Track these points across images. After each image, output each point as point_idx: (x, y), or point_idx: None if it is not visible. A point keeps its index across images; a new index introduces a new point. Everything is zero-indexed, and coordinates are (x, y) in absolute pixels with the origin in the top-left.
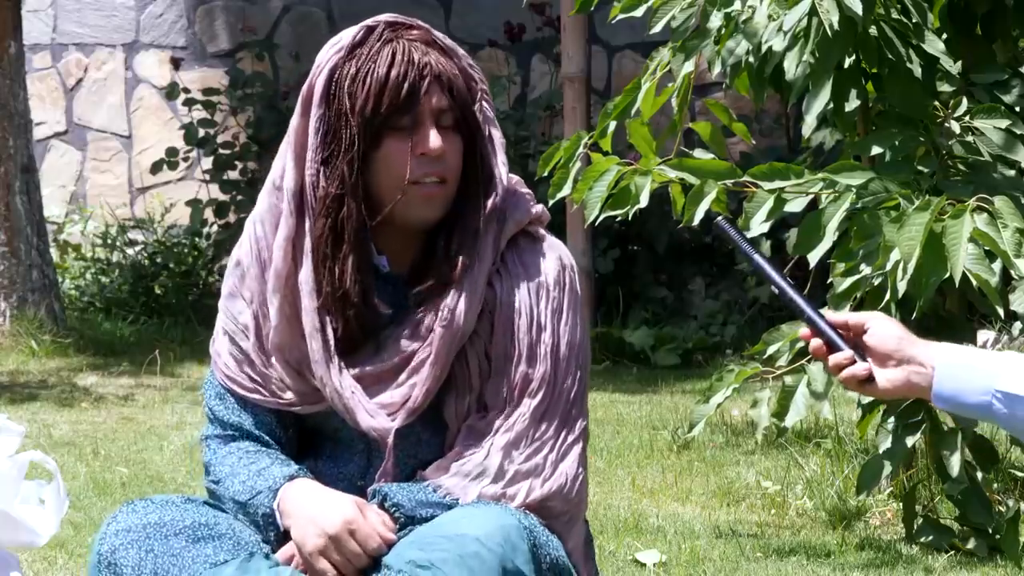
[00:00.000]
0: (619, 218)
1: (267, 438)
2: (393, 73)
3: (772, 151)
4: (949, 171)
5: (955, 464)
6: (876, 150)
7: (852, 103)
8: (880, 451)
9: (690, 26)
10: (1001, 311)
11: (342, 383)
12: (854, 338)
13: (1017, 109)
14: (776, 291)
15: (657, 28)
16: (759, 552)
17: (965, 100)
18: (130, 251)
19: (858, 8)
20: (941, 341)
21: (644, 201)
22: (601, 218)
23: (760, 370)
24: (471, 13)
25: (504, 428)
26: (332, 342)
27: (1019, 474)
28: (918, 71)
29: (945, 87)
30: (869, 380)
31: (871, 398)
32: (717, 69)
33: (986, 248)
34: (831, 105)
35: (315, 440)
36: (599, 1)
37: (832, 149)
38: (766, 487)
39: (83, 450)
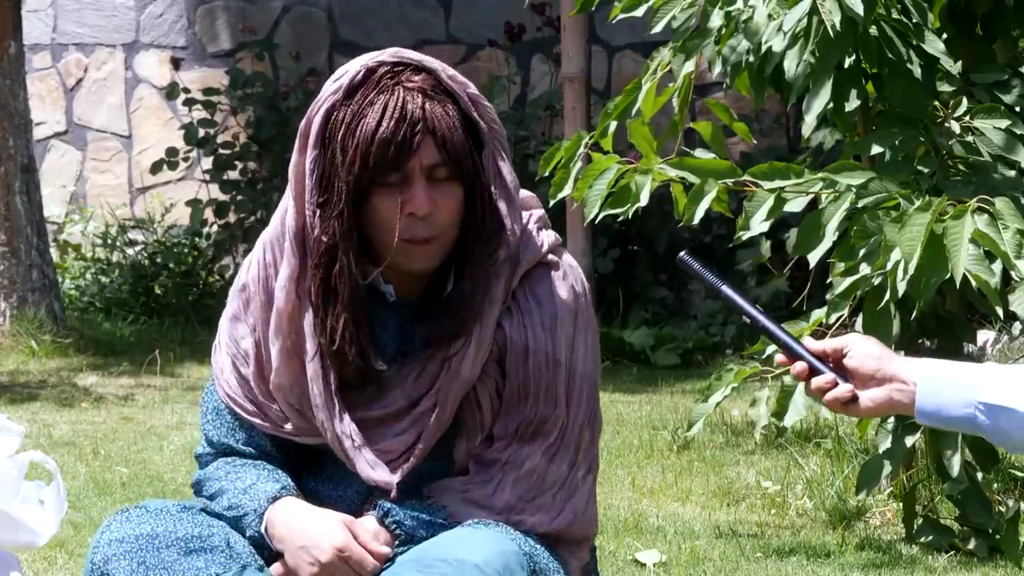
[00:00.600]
0: (620, 218)
1: (261, 457)
2: (381, 130)
3: (772, 151)
4: (949, 171)
5: (955, 464)
6: (876, 150)
7: (852, 103)
8: (880, 451)
9: (690, 26)
10: (1001, 312)
11: (343, 430)
12: (835, 362)
13: (1017, 109)
14: (749, 320)
15: (657, 28)
16: (759, 552)
17: (965, 100)
18: (130, 251)
19: (859, 8)
20: (941, 341)
21: (644, 200)
22: (601, 217)
23: (759, 370)
24: (471, 13)
25: (513, 464)
26: (334, 387)
27: (1019, 474)
28: (918, 71)
29: (945, 87)
30: (852, 401)
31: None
32: (717, 69)
33: (986, 249)
34: (831, 105)
35: (316, 459)
36: (599, 1)
37: (832, 149)
38: (766, 487)
39: (83, 450)
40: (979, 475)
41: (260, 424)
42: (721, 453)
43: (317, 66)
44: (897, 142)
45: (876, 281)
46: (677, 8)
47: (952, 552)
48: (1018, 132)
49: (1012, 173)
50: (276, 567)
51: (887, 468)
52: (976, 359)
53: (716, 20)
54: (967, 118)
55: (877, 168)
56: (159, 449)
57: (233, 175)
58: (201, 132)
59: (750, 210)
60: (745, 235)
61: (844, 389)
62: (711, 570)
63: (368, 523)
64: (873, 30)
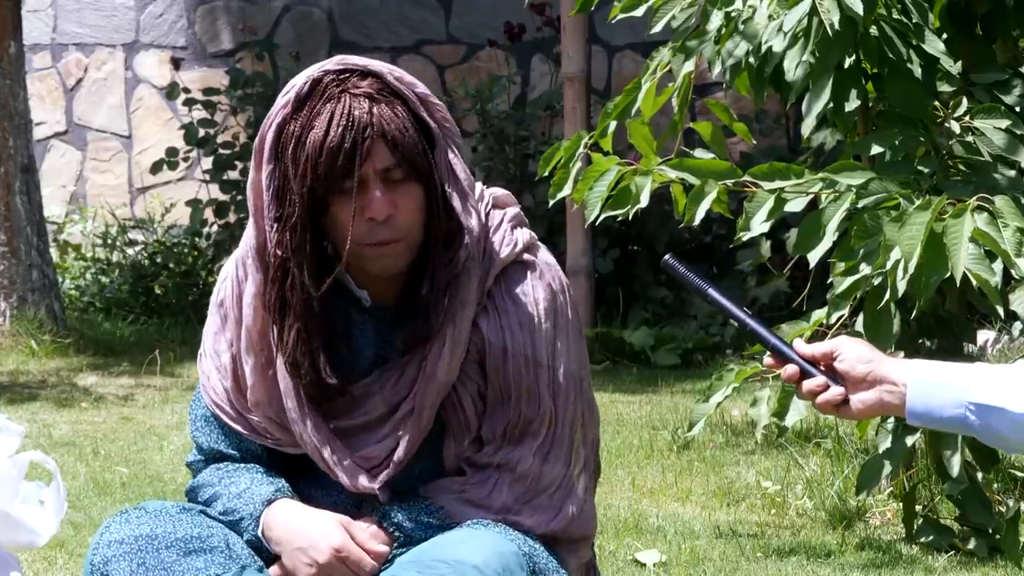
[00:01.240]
0: (619, 218)
1: (253, 461)
2: (329, 139)
3: (772, 151)
4: (949, 171)
5: (955, 464)
6: (876, 150)
7: (852, 103)
8: (880, 451)
9: (690, 26)
10: (1001, 311)
11: (321, 441)
12: (825, 365)
13: (1017, 109)
14: (736, 323)
15: (657, 28)
16: (759, 552)
17: (965, 100)
18: (130, 251)
19: (859, 8)
20: (941, 341)
21: (644, 201)
22: (601, 218)
23: (760, 369)
24: (471, 13)
25: (507, 467)
26: (306, 399)
27: (1019, 474)
28: (918, 71)
29: (945, 87)
30: (843, 403)
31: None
32: (717, 69)
33: (986, 248)
34: (831, 105)
35: (307, 464)
36: (599, 1)
37: (833, 149)
38: (766, 487)
39: (83, 450)
40: (979, 475)
41: (246, 434)
42: (721, 453)
43: None
44: (897, 142)
45: (876, 281)
46: (677, 8)
47: (952, 552)
48: (1018, 132)
49: (1012, 173)
50: (274, 569)
51: (887, 468)
52: (976, 359)
53: (716, 20)
54: (967, 118)
55: (877, 168)
56: (159, 449)
57: (233, 175)
58: (201, 132)
59: (750, 211)
60: (745, 236)
61: (835, 392)
62: (711, 570)
63: (365, 524)
64: (873, 30)
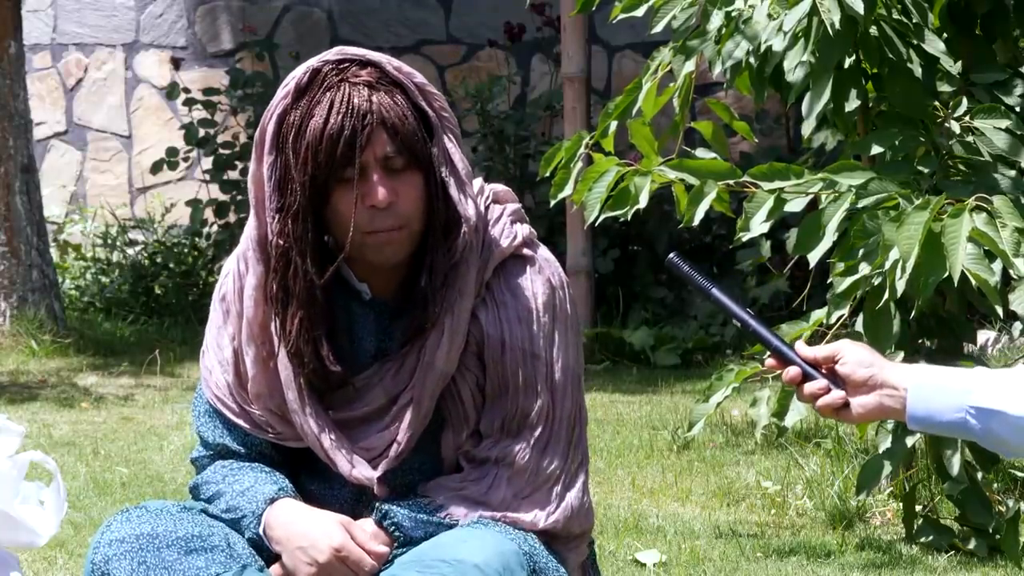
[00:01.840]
0: (621, 219)
1: (255, 456)
2: (329, 126)
3: (772, 151)
4: (949, 171)
5: (955, 464)
6: (876, 150)
7: (852, 103)
8: (880, 451)
9: (691, 26)
10: (1000, 311)
11: (320, 431)
12: (826, 368)
13: (1017, 109)
14: (739, 324)
15: (658, 28)
16: (759, 552)
17: (965, 100)
18: (130, 251)
19: (860, 8)
20: (941, 341)
21: (643, 202)
22: (601, 218)
23: (760, 369)
24: (471, 13)
25: (506, 461)
26: (307, 390)
27: (1019, 474)
28: (918, 71)
29: (945, 87)
30: (844, 407)
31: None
32: (718, 69)
33: (985, 248)
34: (831, 105)
35: (310, 459)
36: (599, 1)
37: (833, 150)
38: (766, 487)
39: (83, 450)
40: (979, 475)
41: (248, 428)
42: (721, 453)
43: None
44: (897, 142)
45: (876, 281)
46: (677, 8)
47: (952, 552)
48: (1019, 133)
49: (1012, 173)
50: (275, 568)
51: (887, 468)
52: (976, 359)
53: (716, 20)
54: (967, 118)
55: (877, 168)
56: (159, 449)
57: (233, 175)
58: (201, 132)
59: (750, 211)
60: (745, 236)
61: (835, 395)
62: (711, 570)
63: (366, 524)
64: (873, 30)
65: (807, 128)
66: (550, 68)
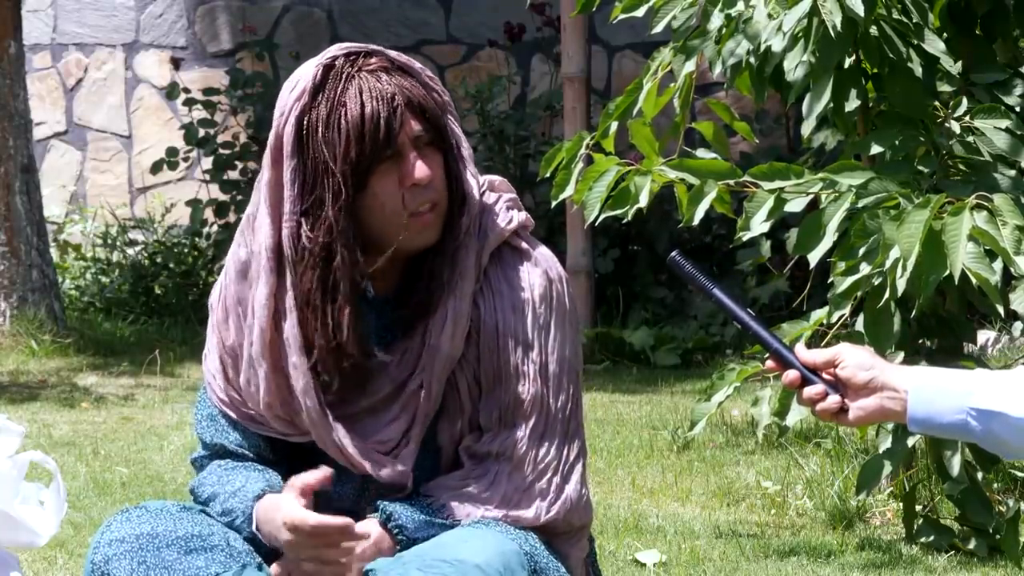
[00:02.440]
0: (623, 219)
1: (254, 457)
2: (367, 111)
3: (772, 151)
4: (949, 171)
5: (955, 464)
6: (876, 149)
7: (852, 103)
8: (880, 451)
9: (691, 26)
10: (1001, 310)
11: (342, 440)
12: (827, 372)
13: (1017, 109)
14: (740, 326)
15: (658, 28)
16: (759, 552)
17: (965, 100)
18: (130, 251)
19: (860, 9)
20: (941, 341)
21: (644, 201)
22: (601, 218)
23: (761, 369)
24: (471, 13)
25: (506, 454)
26: (324, 398)
27: (1019, 474)
28: (918, 71)
29: (945, 87)
30: (842, 411)
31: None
32: (718, 69)
33: (986, 247)
34: (831, 105)
35: (312, 456)
36: (600, 1)
37: (833, 150)
38: (766, 487)
39: (83, 450)
40: (979, 475)
41: (254, 427)
42: (721, 453)
43: None
44: (897, 142)
45: (876, 281)
46: (677, 8)
47: (952, 552)
48: (1019, 133)
49: (1012, 173)
50: (274, 567)
51: (887, 468)
52: (976, 359)
53: (716, 20)
54: (967, 118)
55: (877, 168)
56: (159, 449)
57: (233, 175)
58: (201, 132)
59: (750, 211)
60: (745, 236)
61: (832, 401)
62: (711, 570)
63: (371, 526)
64: (873, 30)
65: (807, 128)
66: (550, 68)
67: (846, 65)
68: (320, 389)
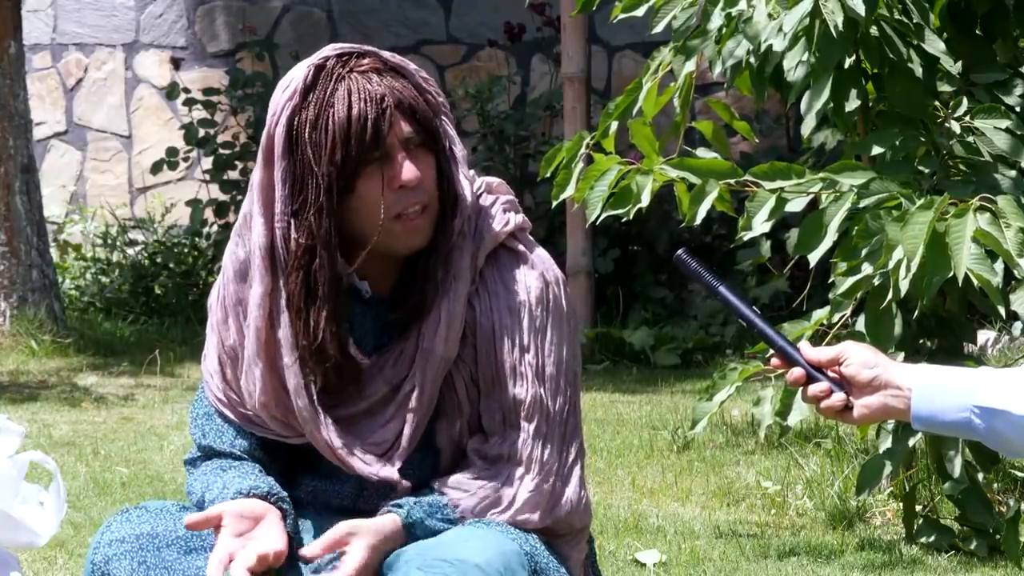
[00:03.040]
0: (624, 219)
1: (243, 455)
2: (354, 113)
3: (772, 151)
4: (950, 171)
5: (956, 464)
6: (876, 150)
7: (852, 103)
8: (880, 451)
9: (691, 26)
10: (1003, 311)
11: (332, 438)
12: (831, 370)
13: (1018, 109)
14: (745, 323)
15: (658, 28)
16: (759, 552)
17: (965, 100)
18: (130, 251)
19: (861, 9)
20: (942, 341)
21: (646, 200)
22: (602, 217)
23: (762, 368)
24: (471, 13)
25: (513, 457)
26: (315, 396)
27: (1019, 474)
28: (919, 71)
29: (945, 87)
30: (846, 409)
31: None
32: (718, 69)
33: (987, 248)
34: (831, 105)
35: (310, 457)
36: (600, 1)
37: (833, 150)
38: (766, 487)
39: (83, 450)
40: (979, 475)
41: (250, 427)
42: (721, 453)
43: None
44: (897, 142)
45: (877, 281)
46: (677, 8)
47: (952, 552)
48: (1019, 133)
49: (1013, 174)
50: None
51: (887, 468)
52: (977, 359)
53: (716, 20)
54: (967, 118)
55: (877, 168)
56: (159, 449)
57: (233, 175)
58: (201, 132)
59: (752, 210)
60: (747, 235)
61: (837, 398)
62: (711, 570)
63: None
64: (873, 30)
65: (807, 128)
66: (550, 68)
67: (846, 65)
68: (311, 389)
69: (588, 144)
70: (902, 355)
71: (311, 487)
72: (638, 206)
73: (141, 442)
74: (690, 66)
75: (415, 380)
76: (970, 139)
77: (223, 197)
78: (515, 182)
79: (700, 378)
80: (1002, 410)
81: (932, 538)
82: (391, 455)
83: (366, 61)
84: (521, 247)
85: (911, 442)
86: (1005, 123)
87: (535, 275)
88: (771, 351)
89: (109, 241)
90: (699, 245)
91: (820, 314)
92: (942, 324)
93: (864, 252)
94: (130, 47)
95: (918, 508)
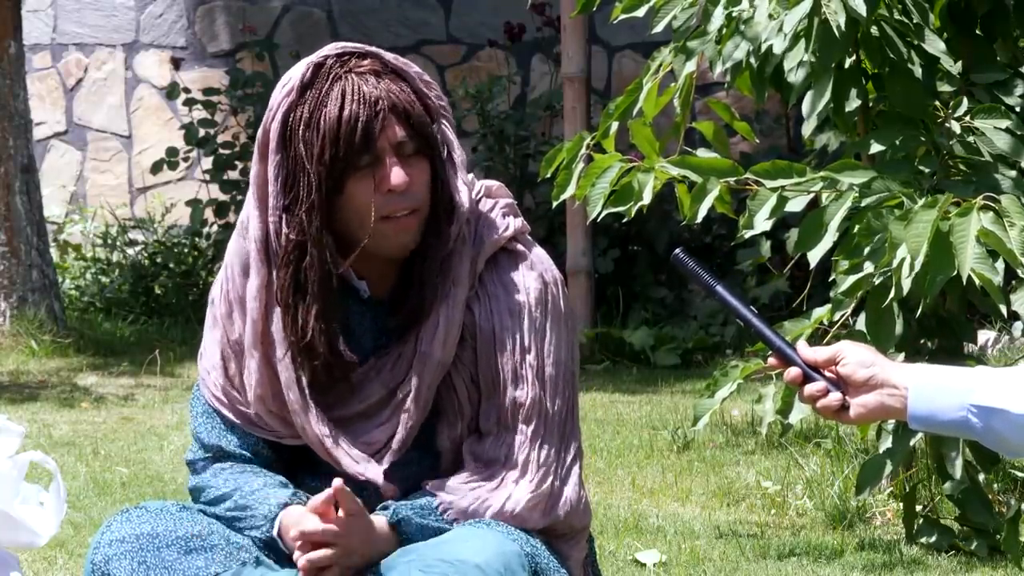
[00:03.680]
0: (624, 219)
1: (254, 459)
2: (345, 115)
3: (772, 151)
4: (950, 171)
5: (956, 464)
6: (876, 148)
7: (852, 103)
8: (880, 451)
9: (691, 26)
10: (1004, 311)
11: (322, 431)
12: (828, 369)
13: (1018, 109)
14: (742, 323)
15: (658, 28)
16: (759, 552)
17: (965, 100)
18: (130, 251)
19: (862, 9)
20: (942, 341)
21: (648, 198)
22: (603, 216)
23: (763, 366)
24: (471, 13)
25: (510, 459)
26: (307, 390)
27: (1019, 474)
28: (919, 71)
29: (945, 87)
30: (843, 408)
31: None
32: (718, 69)
33: (988, 247)
34: (831, 105)
35: (308, 456)
36: (600, 1)
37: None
38: (766, 487)
39: (83, 450)
40: (980, 475)
41: (247, 426)
42: (721, 453)
43: None
44: (897, 142)
45: (879, 280)
46: (678, 8)
47: (953, 552)
48: (1019, 133)
49: (1013, 174)
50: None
51: (887, 468)
52: (977, 359)
53: (717, 20)
54: (967, 118)
55: (877, 167)
56: (159, 449)
57: (233, 175)
58: (201, 132)
59: (753, 208)
60: (748, 234)
61: (834, 397)
62: (711, 570)
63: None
64: (874, 30)
65: (807, 128)
66: (550, 68)
67: (846, 65)
68: (302, 383)
69: (588, 144)
70: (902, 355)
71: (310, 487)
72: (639, 204)
73: (141, 442)
74: (690, 66)
75: (411, 384)
76: (970, 139)
77: (223, 197)
78: (515, 182)
79: (700, 378)
80: (999, 409)
81: (932, 538)
82: (380, 456)
83: (366, 62)
84: (520, 247)
85: (911, 442)
86: (1005, 123)
87: (534, 276)
88: (768, 350)
89: (109, 241)
90: (699, 245)
91: (820, 313)
92: (942, 324)
93: (866, 251)
94: (130, 47)
95: (918, 508)
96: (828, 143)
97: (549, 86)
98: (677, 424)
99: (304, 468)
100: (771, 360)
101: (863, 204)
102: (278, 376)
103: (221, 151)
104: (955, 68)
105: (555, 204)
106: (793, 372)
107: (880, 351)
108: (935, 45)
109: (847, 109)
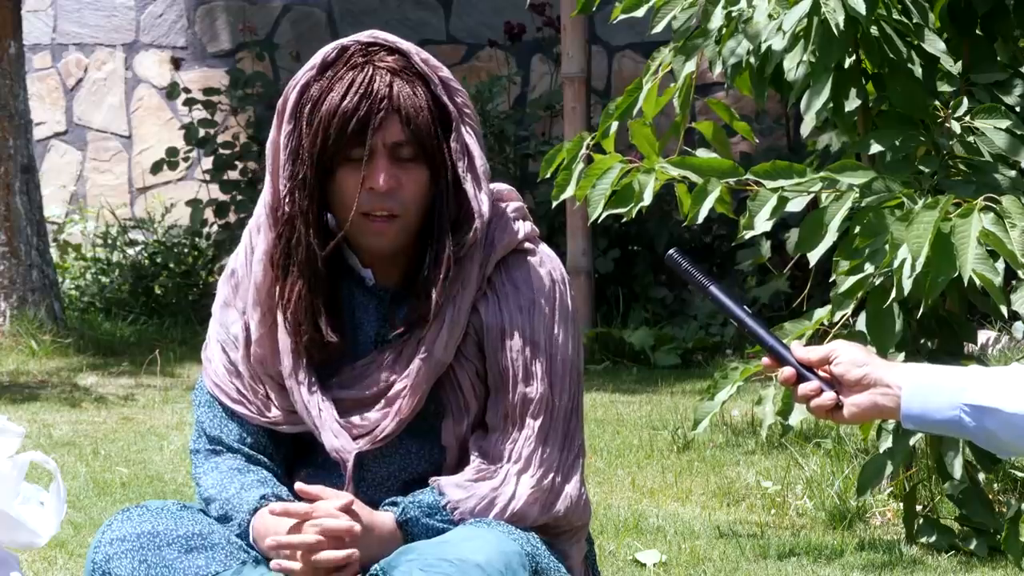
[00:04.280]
0: (624, 219)
1: (252, 452)
2: (345, 104)
3: (772, 151)
4: (950, 171)
5: (956, 464)
6: (876, 148)
7: (852, 103)
8: (880, 451)
9: (691, 26)
10: (1005, 311)
11: (311, 401)
12: (822, 369)
13: (1018, 109)
14: (736, 323)
15: (658, 28)
16: (759, 552)
17: (965, 100)
18: (130, 251)
19: (862, 8)
20: (942, 341)
21: (648, 199)
22: (603, 216)
23: (763, 368)
24: (471, 13)
25: (515, 455)
26: (304, 361)
27: (1020, 474)
28: (919, 71)
29: (945, 87)
30: (836, 408)
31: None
32: (718, 69)
33: (989, 248)
34: (831, 105)
35: (307, 448)
36: (600, 1)
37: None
38: (766, 487)
39: (83, 450)
40: (980, 475)
41: (246, 414)
42: (721, 453)
43: None
44: (897, 142)
45: (879, 280)
46: (678, 8)
47: (953, 552)
48: (1019, 133)
49: (1013, 174)
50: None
51: (888, 468)
52: (977, 359)
53: (717, 20)
54: (967, 118)
55: (877, 168)
56: (159, 449)
57: (233, 175)
58: (201, 132)
59: (754, 209)
60: (748, 234)
61: (828, 397)
62: (711, 570)
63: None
64: (873, 30)
65: (806, 128)
66: (550, 68)
67: (846, 65)
68: (300, 353)
69: (588, 145)
70: (903, 355)
71: (305, 478)
72: (640, 205)
73: (141, 442)
74: (690, 66)
75: (409, 380)
76: (970, 139)
77: (223, 197)
78: (515, 182)
79: (700, 378)
80: (993, 408)
81: (932, 538)
82: (359, 440)
83: (390, 58)
84: (528, 244)
85: (911, 442)
86: (1005, 123)
87: (544, 273)
88: (763, 351)
89: (109, 241)
90: (699, 245)
91: (821, 313)
92: (942, 324)
93: (867, 251)
94: (130, 47)
95: (918, 508)
96: (830, 144)
97: (549, 86)
98: (677, 424)
99: (300, 459)
100: (765, 360)
101: (863, 204)
102: (277, 340)
103: (221, 151)
104: (955, 68)
105: (555, 204)
106: (787, 372)
107: (880, 351)
108: (935, 45)
109: (847, 109)
